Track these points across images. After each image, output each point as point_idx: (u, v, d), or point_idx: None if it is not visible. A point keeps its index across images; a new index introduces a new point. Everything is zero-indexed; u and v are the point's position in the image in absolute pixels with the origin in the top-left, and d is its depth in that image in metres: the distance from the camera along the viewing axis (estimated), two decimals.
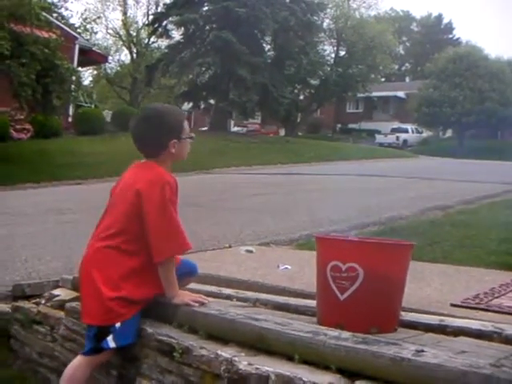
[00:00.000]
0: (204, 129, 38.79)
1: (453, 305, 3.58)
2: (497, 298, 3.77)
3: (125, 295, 3.24)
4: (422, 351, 2.38)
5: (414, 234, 6.43)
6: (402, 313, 3.17)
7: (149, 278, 3.31)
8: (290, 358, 2.71)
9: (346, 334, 2.67)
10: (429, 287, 4.10)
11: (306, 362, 2.65)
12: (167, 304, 3.37)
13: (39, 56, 17.65)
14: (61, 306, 4.35)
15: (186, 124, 3.48)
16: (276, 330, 2.80)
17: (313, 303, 3.35)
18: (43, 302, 4.62)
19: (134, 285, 3.27)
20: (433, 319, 3.15)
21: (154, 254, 3.24)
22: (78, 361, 3.35)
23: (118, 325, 3.24)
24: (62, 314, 4.25)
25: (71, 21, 45.28)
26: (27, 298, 4.80)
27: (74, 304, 4.08)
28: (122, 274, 3.26)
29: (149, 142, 3.43)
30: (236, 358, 2.79)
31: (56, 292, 4.64)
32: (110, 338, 3.25)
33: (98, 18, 52.32)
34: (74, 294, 4.33)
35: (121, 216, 3.32)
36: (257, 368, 2.66)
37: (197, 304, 3.31)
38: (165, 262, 3.28)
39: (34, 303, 4.68)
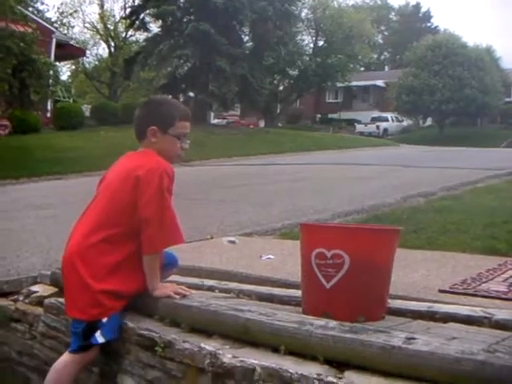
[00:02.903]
0: None
1: (441, 291, 3.52)
2: (484, 282, 3.73)
3: (112, 289, 3.16)
4: (413, 338, 2.32)
5: (398, 221, 6.38)
6: (389, 300, 3.10)
7: (134, 272, 3.22)
8: (275, 350, 2.65)
9: (332, 323, 2.60)
10: (415, 273, 4.04)
11: (292, 353, 2.59)
12: (148, 297, 3.29)
13: (15, 50, 17.46)
14: (39, 302, 4.27)
15: (181, 123, 3.38)
16: (260, 321, 2.73)
17: (297, 293, 3.28)
18: (21, 298, 4.52)
19: (120, 278, 3.19)
20: (421, 306, 3.09)
21: (145, 245, 3.15)
22: (65, 359, 3.25)
23: (104, 319, 3.17)
24: (40, 310, 4.15)
25: (48, 15, 45.11)
26: (5, 295, 4.69)
27: (52, 300, 3.99)
28: (109, 268, 3.17)
29: (136, 124, 3.42)
30: (220, 351, 2.73)
31: (34, 288, 4.55)
32: (98, 334, 3.17)
33: (75, 11, 52.15)
34: (53, 290, 4.26)
35: (113, 206, 3.23)
36: (242, 361, 2.60)
37: (178, 296, 3.23)
38: (153, 253, 3.20)
39: (11, 300, 4.58)
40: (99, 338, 3.17)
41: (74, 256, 3.21)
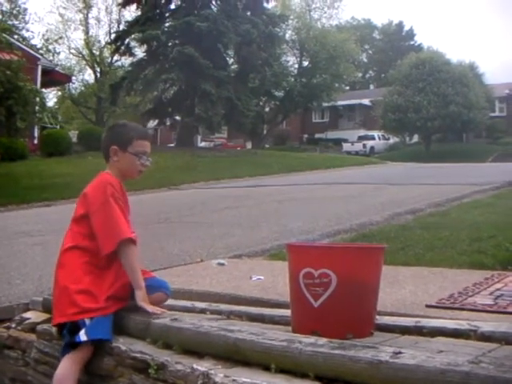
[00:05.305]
0: (171, 145, 38.68)
1: (428, 306, 3.57)
2: (471, 296, 3.78)
3: (86, 288, 3.38)
4: (400, 353, 2.36)
5: (386, 238, 6.42)
6: (377, 316, 3.15)
7: (109, 277, 3.46)
8: (266, 368, 2.68)
9: (321, 341, 2.63)
10: (403, 290, 4.09)
11: (283, 370, 2.62)
12: (140, 320, 3.33)
13: (1, 78, 17.47)
14: (32, 328, 4.28)
15: (139, 142, 3.71)
16: (251, 340, 2.77)
17: (287, 312, 3.32)
18: (14, 325, 4.52)
19: (93, 279, 3.42)
20: (409, 321, 3.14)
21: (100, 247, 3.42)
22: (61, 363, 3.41)
23: (87, 320, 3.35)
24: (33, 337, 4.18)
25: (33, 42, 45.19)
26: None
27: (45, 326, 4.02)
28: (81, 268, 3.43)
29: (102, 146, 3.78)
30: (212, 371, 2.76)
31: (26, 315, 4.56)
32: (82, 332, 3.33)
33: (60, 38, 52.20)
34: (46, 316, 4.27)
35: (76, 220, 3.57)
36: (233, 380, 2.63)
37: (154, 315, 3.37)
38: (120, 250, 3.40)
39: (4, 328, 4.58)
40: (82, 336, 3.33)
41: (57, 266, 3.54)
